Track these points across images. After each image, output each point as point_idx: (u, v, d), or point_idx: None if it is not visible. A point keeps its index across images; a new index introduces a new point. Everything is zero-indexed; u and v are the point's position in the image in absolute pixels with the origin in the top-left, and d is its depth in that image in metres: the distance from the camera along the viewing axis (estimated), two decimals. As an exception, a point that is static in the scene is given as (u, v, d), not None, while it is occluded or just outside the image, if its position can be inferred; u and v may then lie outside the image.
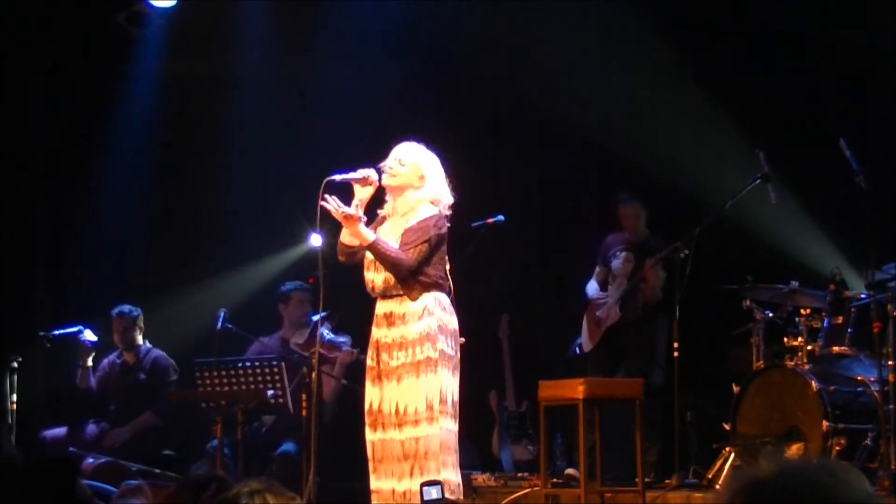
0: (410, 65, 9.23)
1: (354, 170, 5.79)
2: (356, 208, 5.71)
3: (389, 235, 5.78)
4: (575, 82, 8.81)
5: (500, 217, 7.33)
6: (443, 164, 5.98)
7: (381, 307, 5.77)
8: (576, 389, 7.05)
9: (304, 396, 7.21)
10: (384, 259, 5.62)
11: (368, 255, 5.77)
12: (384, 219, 5.87)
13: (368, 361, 5.81)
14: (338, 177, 5.72)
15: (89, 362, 8.34)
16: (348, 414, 8.12)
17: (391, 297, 5.73)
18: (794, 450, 6.85)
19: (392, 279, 5.69)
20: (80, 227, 9.28)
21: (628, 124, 8.69)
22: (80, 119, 9.19)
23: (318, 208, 5.70)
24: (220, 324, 7.68)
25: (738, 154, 7.93)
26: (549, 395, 7.21)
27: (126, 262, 9.34)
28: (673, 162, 8.49)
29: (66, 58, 9.03)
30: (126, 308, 8.43)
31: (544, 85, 9.00)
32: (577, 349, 8.26)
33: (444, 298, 5.76)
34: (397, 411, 5.64)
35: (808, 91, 8.25)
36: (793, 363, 7.08)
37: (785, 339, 7.18)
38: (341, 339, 7.85)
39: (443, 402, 5.62)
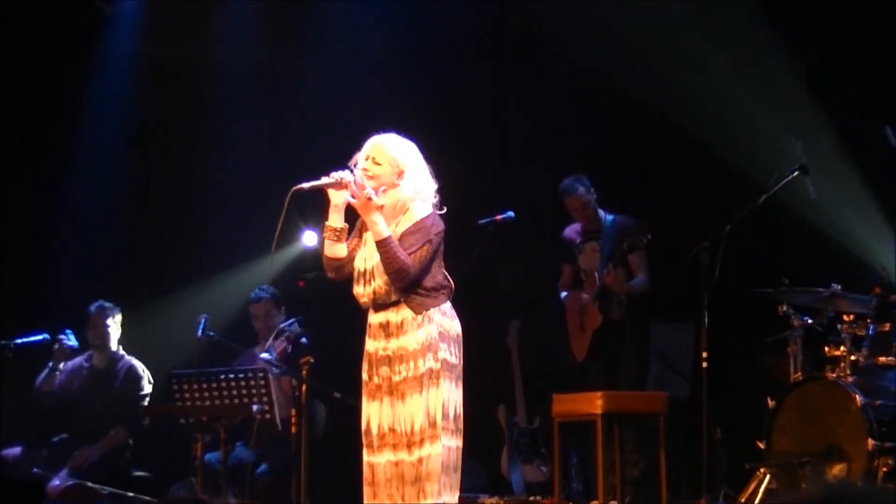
0: (408, 48, 9.20)
1: (325, 174, 5.67)
2: (380, 193, 5.60)
3: (372, 240, 5.68)
4: (598, 65, 8.79)
5: (510, 213, 7.27)
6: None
7: (376, 317, 5.69)
8: (593, 404, 7.04)
9: (293, 412, 7.13)
10: (392, 261, 5.52)
11: (359, 267, 5.68)
12: (365, 225, 5.75)
13: (364, 376, 5.73)
14: (307, 185, 5.62)
15: (60, 367, 8.31)
16: (341, 432, 8.10)
17: (387, 306, 5.66)
18: (836, 471, 6.84)
19: (385, 289, 5.61)
20: (47, 226, 9.27)
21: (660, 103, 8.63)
22: (48, 107, 9.15)
23: (280, 224, 5.64)
24: (200, 332, 7.64)
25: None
26: (564, 410, 7.20)
27: (99, 263, 9.32)
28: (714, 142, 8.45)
29: (32, 37, 8.98)
30: (107, 303, 8.43)
31: (559, 70, 8.94)
32: (570, 358, 8.22)
33: (444, 303, 5.70)
34: (404, 431, 5.58)
35: (848, 77, 8.21)
36: (834, 375, 7.05)
37: (825, 348, 7.16)
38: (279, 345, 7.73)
39: (445, 416, 5.56)
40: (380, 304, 5.66)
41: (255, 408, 7.11)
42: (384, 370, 5.63)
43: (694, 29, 8.51)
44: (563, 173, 8.59)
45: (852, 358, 7.05)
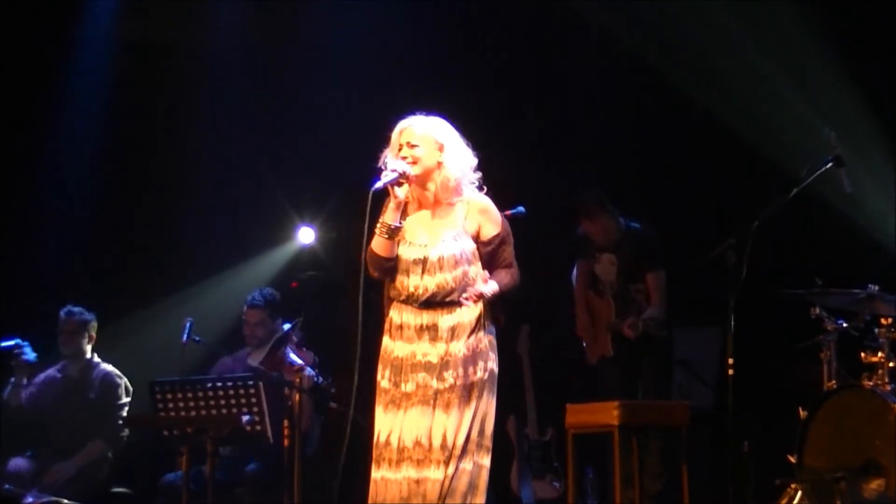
0: (411, 35, 9.19)
1: (379, 172, 5.62)
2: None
3: (435, 229, 5.62)
4: (618, 53, 8.88)
5: (521, 208, 7.18)
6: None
7: (418, 318, 5.60)
8: (610, 414, 7.04)
9: (285, 423, 7.18)
10: (511, 288, 5.65)
11: (407, 257, 5.60)
12: (405, 205, 5.67)
13: (384, 383, 5.63)
14: (380, 183, 5.57)
15: (24, 381, 8.30)
16: (336, 444, 8.07)
17: (435, 306, 5.59)
18: (873, 487, 6.82)
19: (451, 286, 5.56)
20: (19, 225, 9.22)
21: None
22: (17, 100, 9.11)
23: (366, 230, 5.56)
24: (185, 336, 7.61)
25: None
26: (579, 422, 7.19)
27: (74, 264, 9.33)
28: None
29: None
30: (77, 309, 8.41)
31: (579, 58, 8.96)
32: (578, 354, 8.20)
33: (493, 308, 5.71)
34: (444, 444, 5.50)
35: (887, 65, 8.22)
36: (871, 383, 7.02)
37: (862, 355, 7.13)
38: (304, 357, 7.72)
39: (480, 432, 5.56)
40: (429, 303, 5.57)
41: (244, 418, 7.07)
42: (421, 377, 5.55)
43: (724, 16, 8.55)
44: (580, 166, 8.55)
45: (891, 364, 7.02)
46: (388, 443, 5.54)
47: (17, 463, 8.18)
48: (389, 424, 5.57)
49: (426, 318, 5.57)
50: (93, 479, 8.13)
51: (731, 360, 7.10)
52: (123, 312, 9.06)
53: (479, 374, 5.53)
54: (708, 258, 7.47)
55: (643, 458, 7.49)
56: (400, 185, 5.56)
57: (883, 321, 7.10)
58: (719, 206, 8.39)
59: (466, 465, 5.48)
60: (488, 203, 5.66)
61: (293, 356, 7.58)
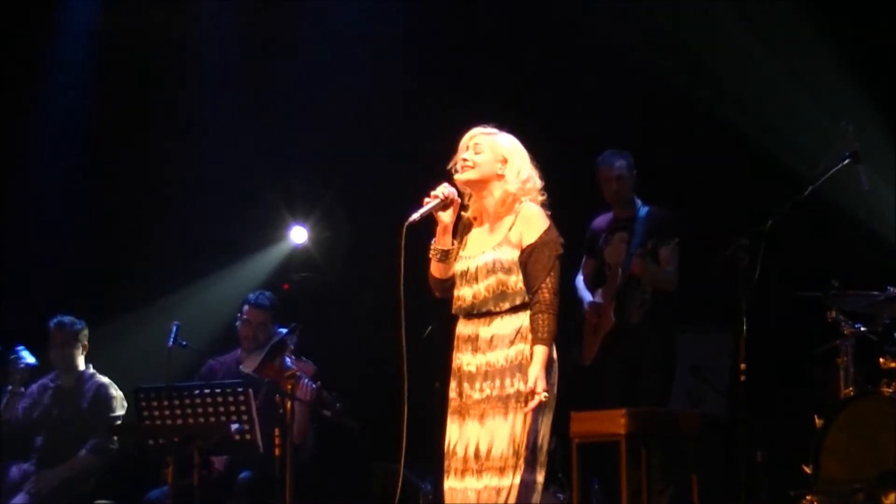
0: (410, 16, 9.22)
1: (426, 198, 5.69)
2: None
3: (484, 244, 5.73)
4: (625, 50, 8.88)
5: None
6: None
7: (465, 328, 5.73)
8: (616, 423, 7.03)
9: (276, 431, 7.14)
10: (554, 326, 5.58)
11: (461, 268, 5.74)
12: (470, 223, 5.84)
13: (451, 394, 5.76)
14: (416, 216, 5.66)
15: (21, 389, 8.29)
16: (332, 453, 8.05)
17: (477, 316, 5.69)
18: (893, 499, 6.81)
19: (484, 295, 5.65)
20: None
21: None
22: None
23: (401, 267, 5.57)
24: (172, 341, 7.59)
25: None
26: (584, 430, 7.18)
27: (57, 267, 9.31)
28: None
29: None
30: (67, 319, 8.39)
31: (584, 55, 9.03)
32: (577, 357, 8.14)
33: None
34: (478, 454, 5.59)
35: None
36: (890, 390, 7.00)
37: (881, 360, 7.11)
38: (306, 378, 7.68)
39: (529, 447, 5.57)
40: (472, 314, 5.70)
41: (233, 427, 7.03)
42: (466, 387, 5.66)
43: (732, 13, 8.61)
44: (584, 163, 8.49)
45: (911, 371, 7.02)
46: (453, 452, 5.67)
47: (13, 471, 8.21)
48: (451, 433, 5.70)
49: (471, 328, 5.71)
50: (78, 491, 8.12)
51: (743, 366, 7.12)
52: (108, 316, 9.06)
53: (518, 385, 5.55)
54: (719, 259, 7.46)
55: (649, 471, 7.45)
56: (444, 209, 5.71)
57: (902, 325, 7.10)
58: (731, 205, 8.35)
59: (516, 479, 5.53)
60: (533, 211, 5.70)
61: (291, 365, 7.56)
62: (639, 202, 8.02)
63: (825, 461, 7.03)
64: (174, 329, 7.60)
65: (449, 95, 9.17)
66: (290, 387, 7.24)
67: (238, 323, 8.13)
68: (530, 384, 5.49)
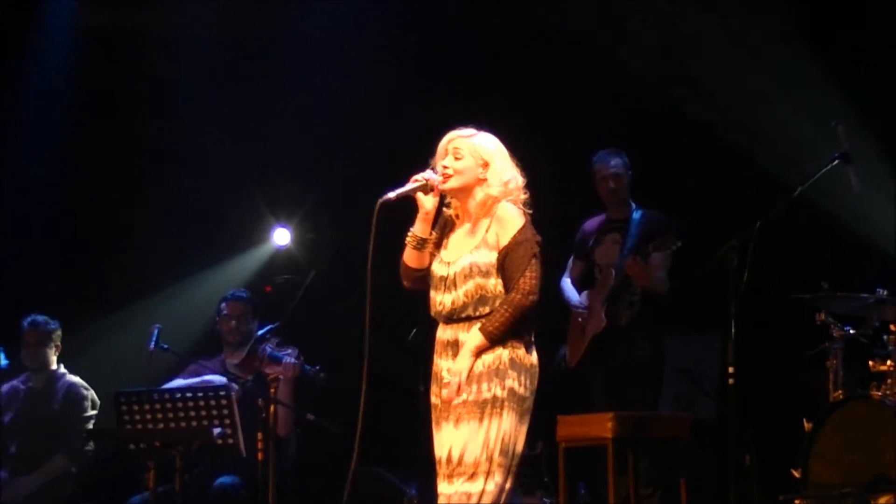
0: (395, 15, 9.22)
1: (406, 181, 5.69)
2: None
3: (462, 248, 5.70)
4: (611, 55, 8.91)
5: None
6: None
7: (445, 333, 5.70)
8: (604, 427, 7.01)
9: (259, 436, 7.14)
10: (510, 324, 5.54)
11: (439, 272, 5.69)
12: (452, 222, 5.80)
13: (432, 399, 5.74)
14: (393, 194, 5.64)
15: None
16: (314, 456, 8.04)
17: (458, 322, 5.66)
18: (883, 503, 6.83)
19: (462, 301, 5.61)
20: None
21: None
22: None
23: (373, 237, 5.60)
24: (153, 344, 7.57)
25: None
26: (571, 434, 7.16)
27: (35, 267, 9.33)
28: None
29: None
30: (41, 318, 8.38)
31: (571, 61, 9.08)
32: (563, 362, 8.11)
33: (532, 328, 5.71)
34: (450, 459, 5.57)
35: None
36: (880, 393, 7.03)
37: (870, 363, 7.15)
38: (286, 352, 7.72)
39: (504, 453, 5.55)
40: (452, 319, 5.66)
41: (216, 431, 7.02)
42: (444, 392, 5.63)
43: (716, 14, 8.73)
44: (571, 166, 8.53)
45: (902, 374, 7.04)
46: (438, 459, 5.67)
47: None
48: (438, 440, 5.69)
49: (450, 333, 5.68)
50: (55, 496, 8.12)
51: (731, 369, 7.11)
52: (87, 318, 9.05)
53: (494, 391, 5.54)
54: (709, 261, 7.47)
55: (637, 476, 7.46)
56: (425, 194, 5.68)
57: (892, 327, 7.12)
58: (720, 205, 8.36)
59: (489, 484, 5.51)
60: (509, 211, 5.66)
61: (272, 350, 7.59)
62: (633, 205, 8.03)
63: (815, 465, 7.06)
64: (155, 332, 7.56)
65: (434, 97, 9.16)
66: (273, 390, 7.25)
67: (218, 322, 8.13)
68: (452, 376, 5.49)
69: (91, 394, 8.35)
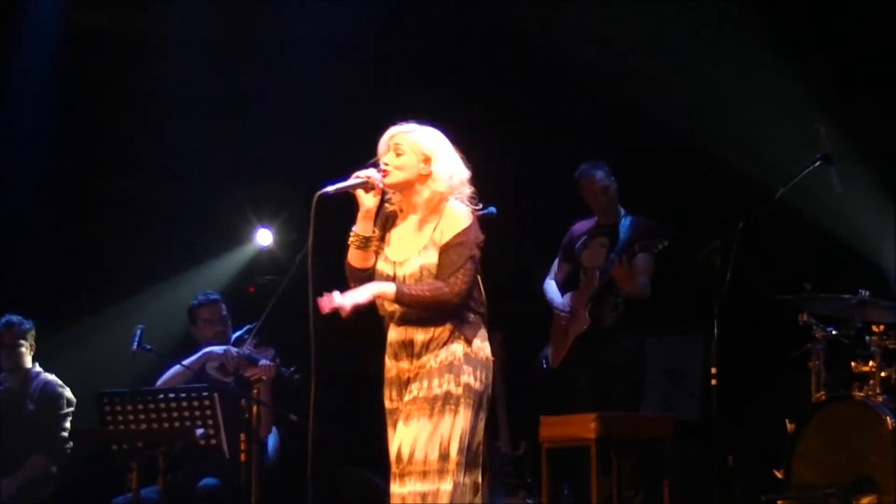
0: (382, 17, 9.24)
1: (347, 176, 5.63)
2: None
3: (409, 248, 5.63)
4: (593, 57, 8.93)
5: (492, 209, 7.16)
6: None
7: (398, 333, 5.62)
8: (587, 427, 7.06)
9: (242, 437, 7.15)
10: (421, 304, 5.49)
11: (385, 272, 5.62)
12: (395, 217, 5.72)
13: (388, 403, 5.66)
14: (331, 188, 5.56)
15: None
16: (295, 456, 8.05)
17: (410, 323, 5.59)
18: None
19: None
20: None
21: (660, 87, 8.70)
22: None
23: (312, 231, 5.56)
24: (135, 345, 7.54)
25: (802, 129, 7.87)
26: (554, 435, 7.21)
27: (16, 271, 9.28)
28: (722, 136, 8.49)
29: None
30: (15, 318, 8.38)
31: (554, 63, 9.04)
32: (545, 362, 8.15)
33: (472, 319, 5.62)
34: (399, 457, 5.49)
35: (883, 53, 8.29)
36: (862, 394, 7.04)
37: (853, 364, 7.15)
38: (264, 353, 7.72)
39: (461, 450, 5.47)
40: (403, 320, 5.59)
41: (199, 432, 7.02)
42: (399, 392, 5.60)
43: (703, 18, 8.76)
44: (556, 167, 8.56)
45: (883, 374, 7.04)
46: (398, 457, 5.57)
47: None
48: (393, 440, 5.62)
49: (404, 334, 5.60)
50: (36, 497, 8.12)
51: (714, 370, 7.12)
52: (68, 319, 9.03)
53: (448, 387, 5.46)
54: (692, 262, 7.50)
55: (620, 477, 7.48)
56: (366, 191, 5.59)
57: (875, 328, 7.12)
58: (703, 207, 8.39)
59: (446, 484, 5.44)
60: (456, 211, 5.60)
61: (247, 350, 7.60)
62: (622, 210, 8.07)
63: (797, 466, 7.07)
64: (138, 332, 7.53)
65: (419, 98, 9.16)
66: (256, 391, 7.27)
67: (197, 328, 8.11)
68: (344, 296, 5.41)
69: (66, 391, 8.34)
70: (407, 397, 5.51)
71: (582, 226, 8.17)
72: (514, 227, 8.46)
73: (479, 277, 5.66)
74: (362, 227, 5.60)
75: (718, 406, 7.14)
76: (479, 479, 5.59)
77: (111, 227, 9.41)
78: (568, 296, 8.03)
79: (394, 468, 5.50)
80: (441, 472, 5.43)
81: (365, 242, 5.61)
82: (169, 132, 9.36)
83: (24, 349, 8.37)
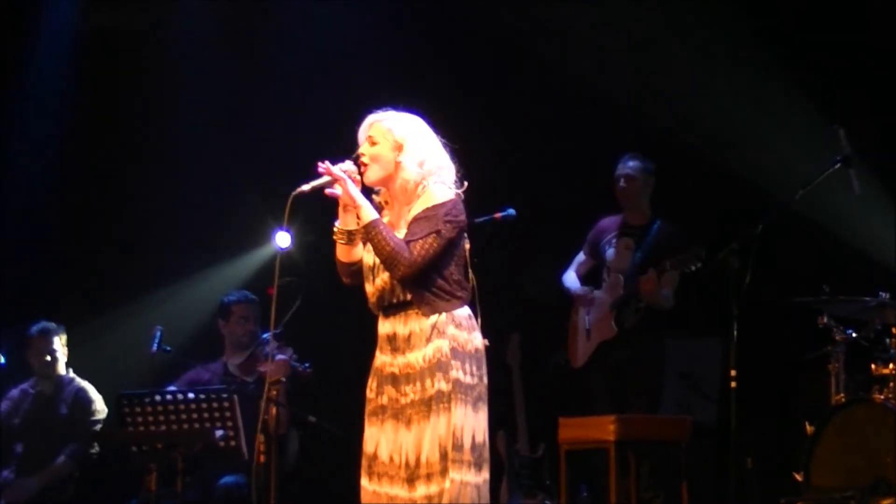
0: (397, 16, 9.25)
1: (322, 173, 5.60)
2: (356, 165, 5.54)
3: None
4: (612, 43, 8.89)
5: (511, 211, 7.22)
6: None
7: (383, 327, 5.60)
8: (605, 429, 7.08)
9: (260, 438, 7.17)
10: (381, 248, 5.43)
11: (368, 262, 5.60)
12: (381, 208, 5.66)
13: (368, 392, 5.63)
14: (307, 187, 5.53)
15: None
16: (314, 457, 8.10)
17: (393, 313, 5.57)
18: None
19: (389, 284, 5.52)
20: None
21: (675, 97, 8.69)
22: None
23: (286, 217, 5.56)
24: (155, 346, 7.59)
25: (815, 134, 7.87)
26: (573, 437, 7.22)
27: (35, 270, 9.29)
28: (732, 143, 8.44)
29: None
30: (51, 325, 8.41)
31: (576, 45, 9.00)
32: (565, 363, 8.15)
33: (459, 312, 5.58)
34: (408, 463, 5.46)
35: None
36: (882, 396, 7.05)
37: (872, 366, 7.15)
38: (282, 352, 7.76)
39: (457, 447, 5.43)
40: (387, 308, 5.56)
41: (218, 433, 7.05)
42: (390, 390, 5.54)
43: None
44: (569, 167, 8.59)
45: (903, 377, 7.04)
46: (375, 455, 5.54)
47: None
48: (370, 434, 5.58)
49: (388, 326, 5.57)
50: (56, 499, 8.14)
51: (733, 372, 7.10)
52: (83, 319, 9.01)
53: (439, 385, 5.43)
54: (710, 264, 7.52)
55: (638, 479, 7.50)
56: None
57: (894, 331, 7.13)
58: (721, 209, 8.40)
59: (446, 484, 5.39)
60: (431, 189, 5.52)
61: (268, 350, 7.63)
62: (651, 213, 8.05)
63: (816, 468, 7.06)
64: (157, 334, 7.57)
65: (434, 97, 9.17)
66: (275, 393, 7.31)
67: (227, 324, 8.15)
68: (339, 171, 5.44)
69: (99, 398, 8.37)
70: (403, 399, 5.49)
71: (608, 222, 8.14)
72: (531, 229, 8.52)
73: (466, 259, 5.61)
74: (344, 220, 5.55)
75: (738, 409, 7.12)
76: (487, 478, 5.53)
77: (128, 228, 9.40)
78: (590, 290, 8.06)
79: (401, 472, 5.45)
80: (442, 472, 5.41)
81: (349, 237, 5.56)
82: (187, 133, 9.36)
83: (57, 355, 8.40)
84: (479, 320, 5.63)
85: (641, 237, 7.96)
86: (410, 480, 5.45)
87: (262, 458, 7.23)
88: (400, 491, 5.47)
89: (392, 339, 5.55)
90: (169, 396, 7.18)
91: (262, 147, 9.31)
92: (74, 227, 9.44)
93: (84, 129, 9.39)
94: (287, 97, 9.21)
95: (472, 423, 5.50)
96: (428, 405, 5.44)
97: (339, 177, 5.49)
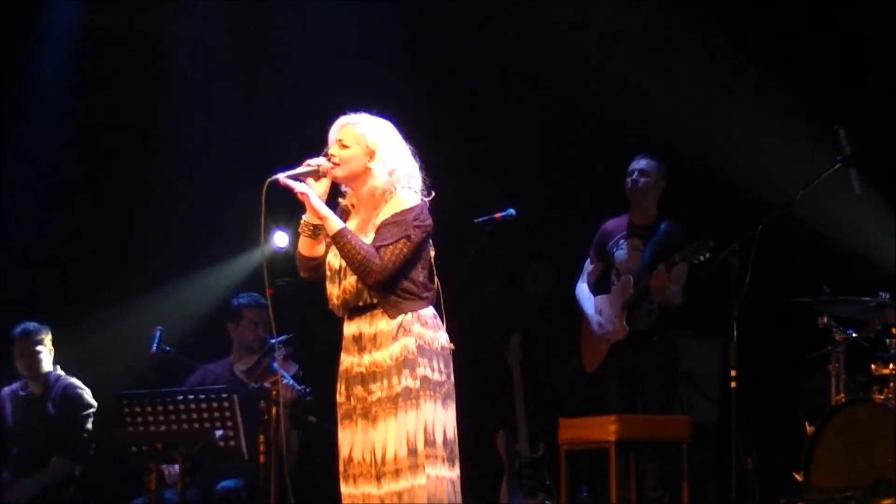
0: (398, 18, 9.25)
1: (299, 164, 5.68)
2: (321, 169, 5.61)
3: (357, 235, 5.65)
4: (608, 50, 8.92)
5: (511, 211, 7.25)
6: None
7: (349, 328, 5.65)
8: (606, 429, 7.10)
9: (261, 438, 7.20)
10: (351, 256, 5.48)
11: (332, 264, 5.65)
12: (347, 212, 5.74)
13: (338, 397, 5.69)
14: (282, 176, 5.59)
15: None
16: (314, 460, 8.11)
17: (358, 314, 5.62)
18: None
19: (355, 286, 5.57)
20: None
21: (670, 99, 8.70)
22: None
23: (263, 215, 5.61)
24: (155, 346, 7.59)
25: (811, 137, 7.90)
26: (573, 437, 7.25)
27: (34, 269, 9.31)
28: (729, 146, 8.46)
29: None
30: (32, 326, 8.40)
31: (572, 51, 9.02)
32: (578, 365, 8.18)
33: (425, 311, 5.63)
34: (374, 460, 5.52)
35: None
36: (882, 396, 7.05)
37: (872, 366, 7.16)
38: (289, 371, 7.77)
39: (429, 443, 5.48)
40: (352, 310, 5.61)
41: (218, 434, 7.05)
42: (358, 389, 5.58)
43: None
44: (570, 167, 8.61)
45: (903, 377, 7.03)
46: (350, 458, 5.60)
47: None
48: (342, 438, 5.63)
49: (354, 327, 5.62)
50: (56, 499, 8.15)
51: (734, 373, 7.12)
52: (78, 319, 9.03)
53: (406, 382, 5.47)
54: (711, 265, 7.55)
55: (641, 479, 7.52)
56: (317, 180, 5.61)
57: (894, 331, 7.13)
58: (722, 210, 8.41)
59: (419, 479, 5.44)
60: (399, 195, 5.58)
61: (276, 366, 7.63)
62: (658, 214, 8.05)
63: (816, 468, 7.07)
64: (157, 334, 7.57)
65: (435, 97, 9.21)
66: (275, 393, 7.33)
67: (236, 327, 8.15)
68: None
69: (86, 393, 8.37)
70: (371, 398, 5.53)
71: (613, 225, 8.13)
72: (531, 229, 8.55)
73: (431, 262, 5.64)
74: (311, 214, 5.60)
75: (738, 409, 7.14)
76: (459, 474, 5.57)
77: (126, 227, 9.40)
78: (600, 298, 8.03)
79: (370, 469, 5.50)
80: (413, 468, 5.44)
81: (314, 231, 5.60)
82: (185, 133, 9.36)
83: (41, 355, 8.39)
84: (444, 321, 5.65)
85: (648, 237, 7.95)
86: (378, 477, 5.49)
87: (262, 459, 7.25)
88: (372, 489, 5.52)
89: (358, 339, 5.59)
90: (169, 397, 7.16)
91: (262, 147, 9.33)
92: (74, 227, 9.43)
93: (84, 129, 9.38)
94: (287, 97, 9.22)
95: (443, 418, 5.55)
96: (395, 402, 5.48)
97: (302, 191, 5.54)
